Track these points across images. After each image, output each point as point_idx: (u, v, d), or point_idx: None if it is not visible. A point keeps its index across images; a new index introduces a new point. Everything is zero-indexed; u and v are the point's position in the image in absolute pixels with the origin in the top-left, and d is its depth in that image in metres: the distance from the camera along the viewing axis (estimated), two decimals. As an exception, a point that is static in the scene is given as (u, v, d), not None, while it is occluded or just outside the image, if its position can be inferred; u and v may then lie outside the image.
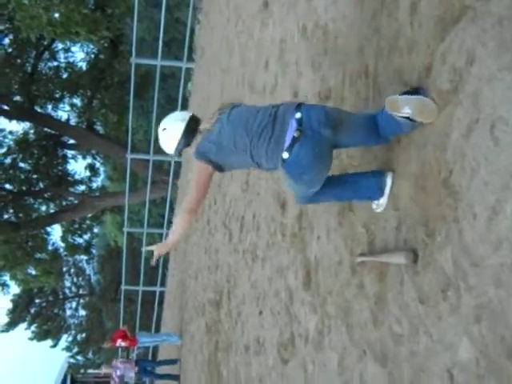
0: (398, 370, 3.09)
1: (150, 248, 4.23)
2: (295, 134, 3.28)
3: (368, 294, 3.56)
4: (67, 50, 33.52)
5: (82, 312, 48.63)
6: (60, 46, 32.78)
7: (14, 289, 39.25)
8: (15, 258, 31.93)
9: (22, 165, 35.33)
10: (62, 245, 40.37)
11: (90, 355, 47.92)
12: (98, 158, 38.83)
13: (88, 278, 48.87)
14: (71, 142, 37.05)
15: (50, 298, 46.92)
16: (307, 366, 4.68)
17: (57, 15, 23.21)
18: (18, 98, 33.15)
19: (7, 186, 34.68)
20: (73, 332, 47.88)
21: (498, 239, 2.33)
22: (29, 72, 32.01)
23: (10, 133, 34.77)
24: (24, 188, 35.30)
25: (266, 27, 7.78)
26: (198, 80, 21.07)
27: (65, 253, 41.30)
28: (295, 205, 5.47)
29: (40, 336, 46.52)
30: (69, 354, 47.43)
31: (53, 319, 46.93)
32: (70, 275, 47.29)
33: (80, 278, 48.33)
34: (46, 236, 37.02)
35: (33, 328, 46.06)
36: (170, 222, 27.20)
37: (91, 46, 32.73)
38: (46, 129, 35.35)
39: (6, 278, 35.35)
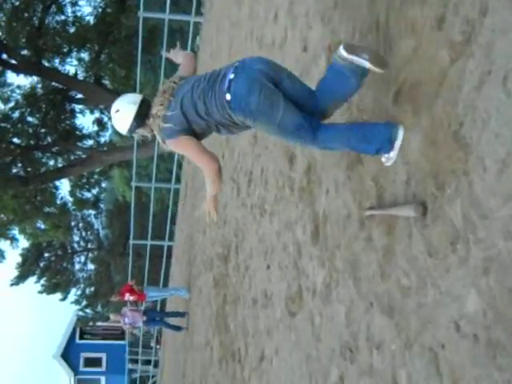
0: (405, 322, 3.11)
1: (202, 211, 4.53)
2: (231, 77, 3.60)
3: (376, 247, 3.57)
4: (74, 4, 33.29)
5: (91, 266, 49.06)
6: (67, -1, 32.55)
7: (23, 243, 39.52)
8: (24, 212, 32.16)
9: (29, 119, 35.31)
10: (71, 199, 40.59)
11: (99, 308, 48.39)
12: (106, 113, 38.72)
13: (96, 232, 49.16)
14: (79, 96, 36.93)
15: (59, 252, 47.29)
16: (314, 318, 4.72)
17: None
18: (25, 52, 33.01)
19: (15, 140, 34.71)
20: (81, 286, 48.33)
21: (508, 191, 2.33)
22: (36, 26, 31.79)
23: (18, 87, 34.71)
24: (32, 142, 35.31)
25: (276, -21, 7.67)
26: (206, 34, 20.88)
27: (73, 207, 41.50)
28: (303, 159, 5.46)
29: (49, 289, 47.00)
30: (78, 307, 47.95)
31: (62, 273, 47.37)
32: (78, 229, 47.57)
33: (88, 233, 48.60)
34: (54, 190, 37.24)
35: (42, 281, 46.51)
36: (177, 177, 27.26)
37: (98, 0, 32.47)
38: (53, 83, 35.22)
39: (15, 231, 35.61)
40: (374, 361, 3.49)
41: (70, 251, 48.02)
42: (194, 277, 15.51)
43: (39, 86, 35.40)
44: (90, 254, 48.98)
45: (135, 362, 40.33)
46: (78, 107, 37.75)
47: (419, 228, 3.03)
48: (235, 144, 10.04)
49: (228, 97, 3.59)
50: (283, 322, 5.66)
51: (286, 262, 5.74)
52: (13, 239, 35.70)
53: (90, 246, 48.93)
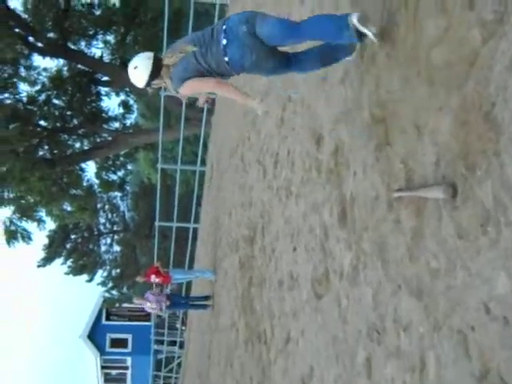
0: (434, 304, 3.10)
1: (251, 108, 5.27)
2: (224, 43, 4.58)
3: (404, 229, 3.56)
4: (101, -14, 33.35)
5: (117, 248, 49.44)
6: (94, -19, 32.62)
7: (50, 225, 39.86)
8: (50, 194, 32.47)
9: (56, 101, 35.57)
10: (97, 181, 40.87)
11: (125, 290, 48.81)
12: (132, 96, 38.83)
13: (122, 214, 49.47)
14: (105, 79, 37.08)
15: (85, 233, 47.69)
16: (341, 300, 4.72)
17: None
18: (51, 34, 33.16)
19: (42, 122, 34.97)
20: (107, 267, 48.74)
21: (540, 173, 2.30)
22: (62, 8, 31.90)
23: (44, 70, 34.93)
24: (58, 125, 35.58)
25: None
26: (231, 15, 20.76)
27: (99, 189, 41.80)
28: (331, 140, 5.44)
29: (76, 271, 47.44)
30: (104, 288, 48.39)
31: (88, 255, 47.78)
32: (104, 212, 47.91)
33: (114, 215, 48.94)
34: (80, 172, 37.51)
35: (69, 263, 46.95)
36: (203, 160, 27.31)
37: (124, -18, 32.50)
38: (79, 66, 35.37)
39: (42, 213, 35.91)
40: (402, 343, 3.49)
41: (96, 233, 48.41)
42: (220, 259, 15.57)
43: (65, 68, 35.62)
44: (116, 236, 49.34)
45: (161, 343, 40.68)
46: (103, 90, 37.96)
47: (449, 210, 3.01)
48: (261, 126, 10.03)
49: (226, 59, 4.63)
50: (309, 304, 5.67)
51: (312, 244, 5.74)
52: (40, 221, 36.00)
53: (115, 228, 49.28)
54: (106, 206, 47.97)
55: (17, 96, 33.42)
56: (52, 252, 45.72)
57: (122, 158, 41.72)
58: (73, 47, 34.35)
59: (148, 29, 32.19)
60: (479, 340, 2.67)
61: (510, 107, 2.54)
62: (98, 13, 34.06)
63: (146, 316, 44.10)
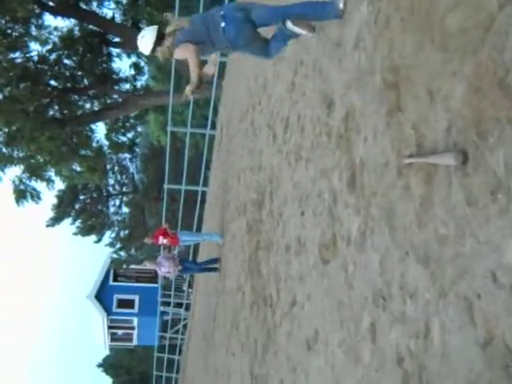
0: (441, 271, 3.10)
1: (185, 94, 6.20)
2: (222, 25, 5.77)
3: (414, 196, 3.54)
4: None
5: (125, 209, 49.73)
6: None
7: (59, 184, 39.96)
8: (60, 153, 32.48)
9: (67, 61, 35.48)
10: (106, 143, 40.89)
11: (133, 251, 49.18)
12: (143, 57, 38.62)
13: (131, 176, 49.60)
14: (116, 40, 36.87)
15: (94, 194, 47.92)
16: (348, 266, 4.72)
17: None
18: (62, -7, 32.92)
19: (52, 82, 34.87)
20: (116, 228, 49.05)
21: (554, 141, 2.28)
22: (74, -33, 31.64)
23: (55, 29, 34.73)
24: (69, 85, 35.49)
25: None
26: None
27: (109, 151, 41.80)
28: (342, 105, 5.40)
29: (84, 231, 47.80)
30: (112, 249, 48.72)
31: (97, 215, 48.06)
32: (113, 173, 48.05)
33: (123, 176, 49.09)
34: (90, 133, 37.49)
35: (77, 223, 47.28)
36: (213, 124, 27.22)
37: None
38: (90, 26, 35.17)
39: (51, 173, 35.94)
40: (407, 309, 3.49)
41: (105, 194, 48.61)
42: (228, 222, 15.60)
43: (76, 28, 35.42)
44: (125, 198, 49.54)
45: (167, 304, 41.01)
46: (115, 51, 37.79)
47: (459, 177, 2.99)
48: (272, 91, 9.97)
49: (226, 37, 5.82)
50: (316, 269, 5.68)
51: (320, 209, 5.73)
52: (49, 181, 36.07)
53: (124, 189, 49.45)
54: (116, 168, 48.10)
55: (27, 55, 33.32)
56: (61, 212, 46.02)
57: (132, 120, 41.67)
58: (84, 7, 34.14)
59: (160, -11, 31.94)
60: (485, 307, 2.67)
61: (525, 74, 2.51)
62: (110, -28, 33.84)
63: (153, 278, 44.46)
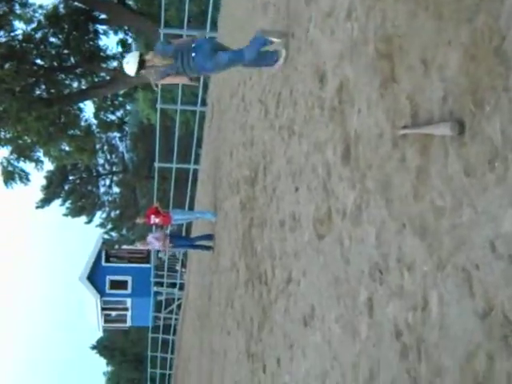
0: (438, 243, 3.10)
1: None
2: (193, 55, 7.52)
3: (410, 167, 3.54)
4: None
5: (116, 189, 49.60)
6: None
7: (48, 165, 39.80)
8: (48, 133, 32.33)
9: (52, 40, 35.17)
10: (95, 122, 40.69)
11: (124, 231, 49.13)
12: (130, 34, 38.44)
13: (121, 155, 49.40)
14: (102, 16, 36.61)
15: (84, 174, 47.77)
16: (344, 240, 4.73)
17: None
18: (46, -31, 32.62)
19: (38, 61, 34.65)
20: (107, 209, 48.98)
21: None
22: None
23: (40, 7, 34.45)
24: (55, 63, 35.26)
25: None
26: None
27: (98, 130, 41.65)
28: (335, 78, 5.38)
29: (74, 212, 47.75)
30: (103, 230, 48.69)
31: (87, 196, 47.96)
32: (103, 152, 47.83)
33: (113, 156, 48.89)
34: (78, 112, 37.30)
35: (67, 204, 47.18)
36: (203, 101, 27.11)
37: None
38: (76, 3, 34.88)
39: (40, 154, 35.79)
40: (405, 282, 3.50)
41: (94, 174, 48.47)
42: (221, 200, 15.59)
43: (61, 6, 35.10)
44: (115, 177, 49.40)
45: (160, 284, 41.11)
46: (101, 28, 37.54)
47: (456, 147, 2.98)
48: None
49: (196, 64, 7.61)
50: (311, 245, 5.69)
51: (314, 183, 5.73)
52: (37, 161, 35.94)
53: (115, 169, 49.30)
54: (105, 147, 47.86)
55: (12, 34, 33.05)
56: (50, 193, 45.90)
57: (120, 98, 41.48)
58: (69, -17, 33.87)
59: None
60: (483, 278, 2.68)
61: (521, 40, 2.49)
62: None
63: (146, 258, 44.57)
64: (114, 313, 48.94)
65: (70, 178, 47.45)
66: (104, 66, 38.19)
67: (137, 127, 48.04)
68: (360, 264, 4.28)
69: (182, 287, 39.02)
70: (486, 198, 2.67)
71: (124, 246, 48.41)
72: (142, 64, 7.79)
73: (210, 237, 17.21)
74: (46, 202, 46.28)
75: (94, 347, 64.56)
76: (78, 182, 47.91)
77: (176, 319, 42.36)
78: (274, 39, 7.60)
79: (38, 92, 33.83)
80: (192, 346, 23.03)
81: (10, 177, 35.48)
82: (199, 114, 27.22)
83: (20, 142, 33.22)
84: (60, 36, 34.85)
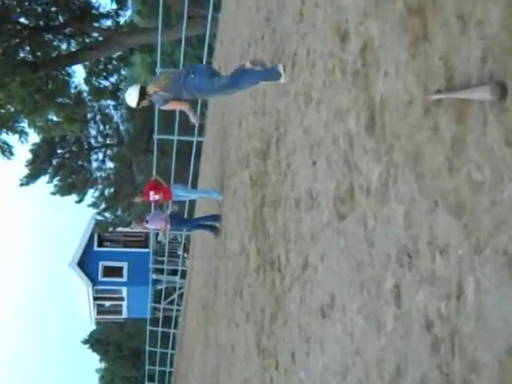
0: (476, 222, 3.09)
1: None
2: (192, 77, 9.04)
3: (443, 137, 3.52)
4: None
5: (110, 164, 49.59)
6: None
7: (34, 137, 39.74)
8: (34, 102, 32.30)
9: (38, -5, 35.04)
10: (86, 88, 40.65)
11: (119, 212, 49.20)
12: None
13: (116, 126, 49.41)
14: (94, -31, 36.45)
15: (74, 148, 47.81)
16: (368, 221, 4.72)
17: None
18: None
19: (22, 20, 34.56)
20: (100, 186, 49.02)
21: None
22: None
23: (23, -43, 34.25)
24: (41, 23, 35.15)
25: None
26: None
27: (89, 97, 41.62)
28: (358, 37, 5.35)
29: (63, 190, 47.81)
30: (96, 210, 48.71)
31: (77, 172, 48.02)
32: (95, 123, 47.84)
33: (107, 126, 48.87)
34: (67, 78, 37.21)
35: (55, 181, 47.23)
36: (209, 63, 27.02)
37: None
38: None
39: (24, 124, 35.76)
40: (437, 267, 3.50)
41: (86, 147, 48.51)
42: (228, 176, 15.59)
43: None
44: (109, 151, 49.41)
45: (160, 271, 41.23)
46: (93, -18, 37.36)
47: (496, 113, 2.96)
48: (276, 24, 9.88)
49: (194, 86, 9.11)
50: (330, 226, 5.69)
51: (335, 156, 5.71)
52: (22, 133, 35.92)
53: (108, 141, 49.31)
54: (98, 117, 47.87)
55: (-8, -11, 33.02)
56: (36, 169, 45.96)
57: (114, 62, 41.29)
58: None
59: None
60: (527, 262, 2.67)
61: None
62: None
63: (144, 242, 44.70)
64: (107, 303, 49.32)
65: (59, 151, 47.49)
66: (96, 25, 38.02)
67: (133, 94, 47.92)
68: (386, 247, 4.28)
69: (184, 275, 39.16)
70: (530, 170, 2.66)
71: (119, 229, 48.53)
72: (142, 95, 9.54)
73: (215, 218, 17.17)
74: (31, 178, 46.35)
75: (85, 341, 65.08)
76: (67, 156, 47.94)
77: (177, 310, 42.56)
78: (263, 65, 9.27)
79: (22, 55, 33.80)
80: (195, 340, 23.16)
81: (-10, 151, 35.55)
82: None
83: (2, 111, 33.26)
84: (46, -9, 34.76)
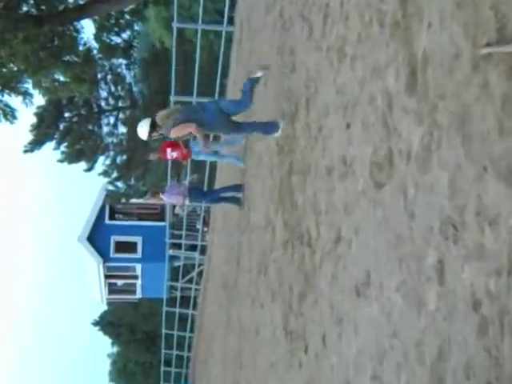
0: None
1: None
2: (204, 113, 11.01)
3: (494, 95, 3.49)
4: None
5: (123, 129, 49.59)
6: None
7: (39, 99, 39.74)
8: (38, 60, 32.25)
9: None
10: (96, 45, 40.62)
11: (133, 182, 49.32)
12: None
13: (129, 86, 49.41)
14: None
15: (83, 111, 47.86)
16: (408, 189, 4.71)
17: None
18: None
19: (25, -31, 34.57)
20: (111, 153, 49.07)
21: None
22: None
23: None
24: (46, -28, 35.13)
25: None
26: None
27: (99, 55, 41.60)
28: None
29: (71, 157, 47.88)
30: (107, 179, 48.83)
31: (87, 137, 48.08)
32: (106, 83, 47.84)
33: (119, 87, 48.87)
34: (75, 34, 37.14)
35: (62, 148, 47.29)
36: (230, 19, 26.90)
37: None
38: None
39: (29, 85, 35.81)
40: (486, 240, 3.48)
41: (96, 110, 48.58)
42: (251, 141, 15.61)
43: None
44: (122, 114, 49.45)
45: (177, 247, 41.35)
46: None
47: (554, 68, 2.93)
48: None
49: (205, 121, 10.86)
50: (366, 195, 5.68)
51: (372, 118, 5.69)
52: (25, 94, 35.97)
53: (120, 103, 49.35)
54: (109, 77, 47.88)
55: None
56: (41, 134, 46.04)
57: (127, 16, 41.31)
58: None
59: None
60: None
61: None
62: None
63: (160, 215, 44.79)
64: (120, 281, 49.50)
65: (66, 115, 47.60)
66: (106, -26, 38.01)
67: (147, 52, 47.97)
68: (428, 218, 4.26)
69: (203, 250, 39.29)
70: None
71: (132, 200, 48.66)
72: (153, 127, 11.07)
73: (237, 188, 17.17)
74: (36, 144, 46.48)
75: (96, 323, 65.60)
76: (75, 120, 48.05)
77: (196, 290, 42.75)
78: (258, 74, 11.30)
79: (25, 8, 33.81)
80: (216, 322, 23.32)
81: (-9, 114, 35.67)
82: (225, 36, 27.04)
83: (4, 70, 33.34)
84: None
